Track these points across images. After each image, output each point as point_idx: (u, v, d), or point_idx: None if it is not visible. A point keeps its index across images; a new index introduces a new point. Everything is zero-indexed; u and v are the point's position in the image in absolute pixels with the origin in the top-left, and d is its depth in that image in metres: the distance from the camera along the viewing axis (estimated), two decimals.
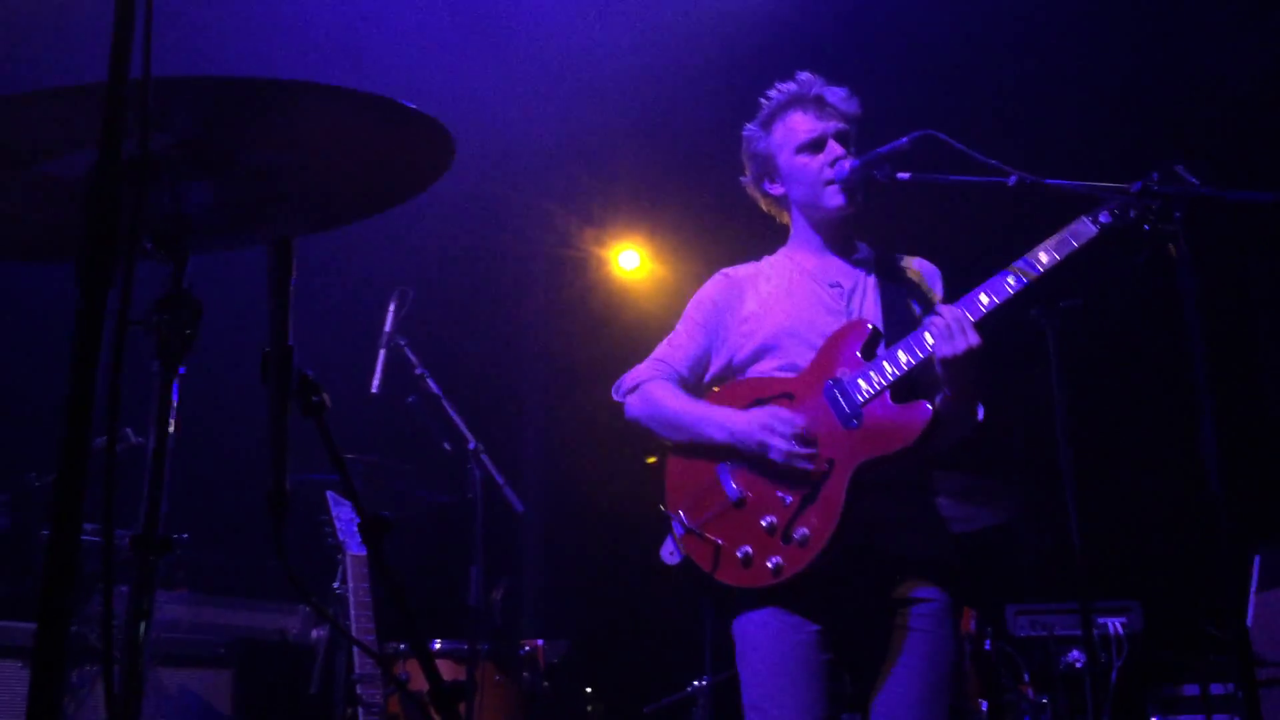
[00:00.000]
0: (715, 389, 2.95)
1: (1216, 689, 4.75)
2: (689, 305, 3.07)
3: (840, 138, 2.91)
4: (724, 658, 2.97)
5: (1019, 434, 6.43)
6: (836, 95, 2.95)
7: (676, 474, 2.88)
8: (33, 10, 4.91)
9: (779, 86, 2.99)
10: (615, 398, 3.04)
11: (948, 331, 2.61)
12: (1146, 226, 2.31)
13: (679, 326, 3.06)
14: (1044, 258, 2.63)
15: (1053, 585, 6.00)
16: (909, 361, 2.68)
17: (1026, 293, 2.65)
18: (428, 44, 5.48)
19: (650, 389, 2.96)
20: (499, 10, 5.50)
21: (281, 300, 1.48)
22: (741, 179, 3.09)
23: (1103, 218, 2.56)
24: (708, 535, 2.76)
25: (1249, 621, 4.40)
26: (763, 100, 3.01)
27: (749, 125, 3.03)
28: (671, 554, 2.84)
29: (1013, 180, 2.54)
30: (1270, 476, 5.01)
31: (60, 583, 1.01)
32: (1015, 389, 4.96)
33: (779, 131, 2.97)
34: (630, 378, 3.02)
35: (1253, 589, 4.47)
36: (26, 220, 1.52)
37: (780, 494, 2.70)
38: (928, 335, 2.66)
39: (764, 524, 2.69)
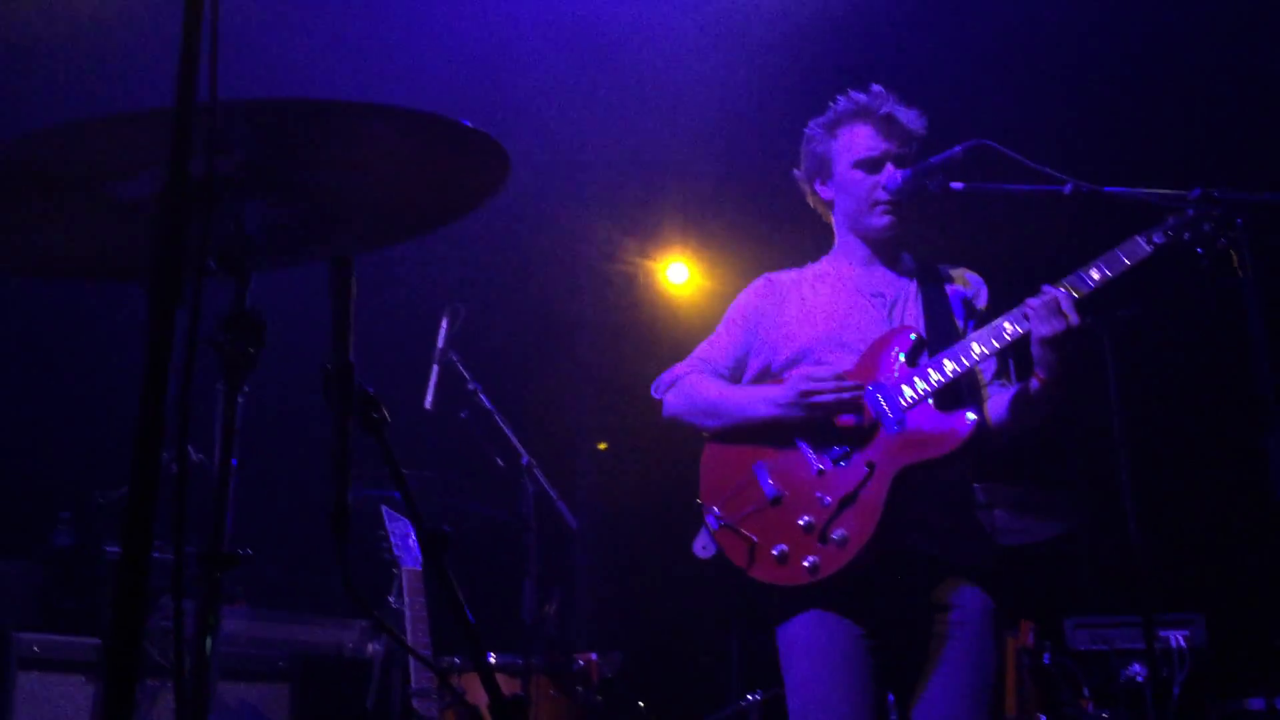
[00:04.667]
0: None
1: None
2: (730, 307, 3.07)
3: (899, 161, 2.88)
4: (769, 672, 2.94)
5: (1077, 444, 6.34)
6: (907, 116, 2.90)
7: (712, 468, 2.87)
8: (101, 35, 5.02)
9: (852, 95, 2.94)
10: (654, 395, 3.04)
11: (1046, 310, 2.57)
12: (1200, 249, 2.28)
13: (719, 327, 3.06)
14: (1095, 275, 2.60)
15: (1113, 597, 5.91)
16: (955, 370, 2.68)
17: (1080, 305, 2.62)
18: (481, 59, 5.52)
19: (687, 380, 2.96)
20: (552, 23, 5.53)
21: (342, 318, 1.50)
22: (795, 171, 3.06)
23: (1156, 238, 2.52)
24: (743, 531, 2.75)
25: None
26: (831, 103, 2.97)
27: (813, 122, 3.00)
28: (705, 548, 2.83)
29: (1069, 188, 2.52)
30: None
31: (132, 600, 1.02)
32: (1072, 398, 4.89)
33: (843, 138, 2.94)
34: (669, 374, 3.02)
35: None
36: (95, 241, 1.55)
37: (818, 494, 2.69)
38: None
39: (801, 523, 2.68)
